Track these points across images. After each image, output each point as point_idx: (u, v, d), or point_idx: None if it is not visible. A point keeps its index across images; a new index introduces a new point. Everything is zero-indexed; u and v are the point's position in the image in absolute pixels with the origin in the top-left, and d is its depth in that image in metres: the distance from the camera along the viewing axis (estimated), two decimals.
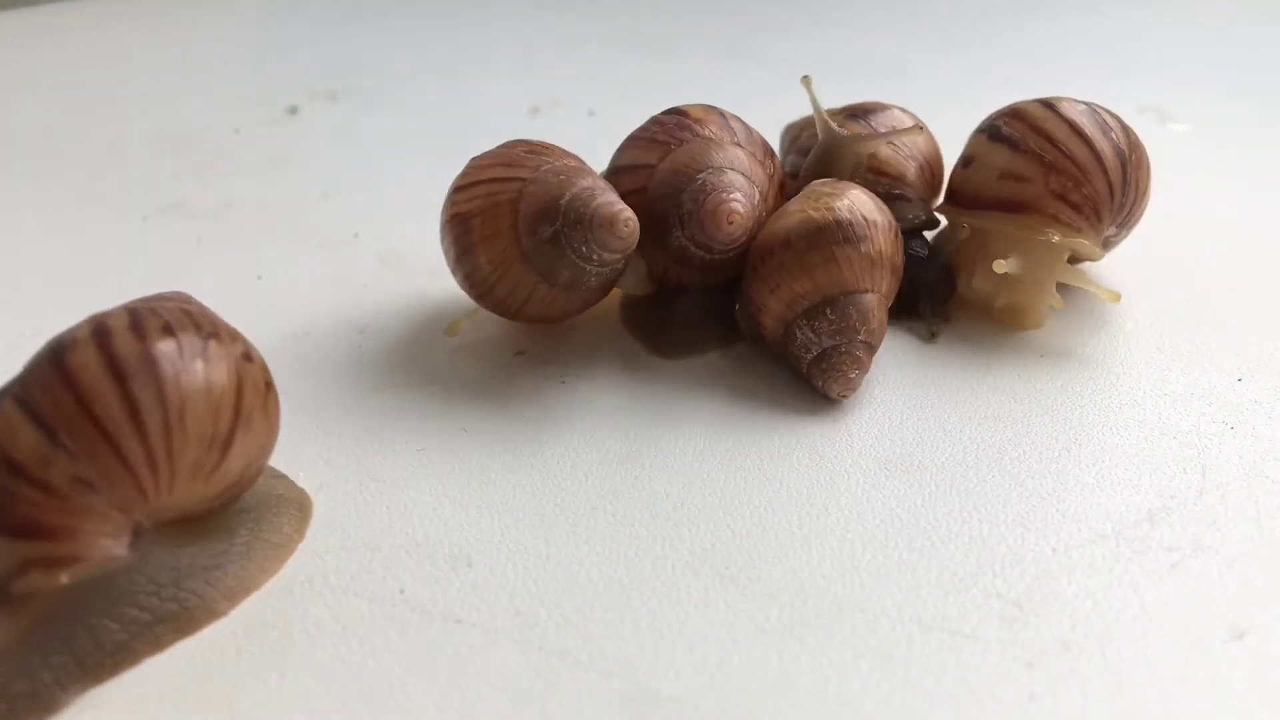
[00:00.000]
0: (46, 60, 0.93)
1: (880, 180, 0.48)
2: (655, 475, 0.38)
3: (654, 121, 0.47)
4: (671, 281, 0.46)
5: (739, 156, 0.45)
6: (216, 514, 0.33)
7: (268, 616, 0.32)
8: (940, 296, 0.47)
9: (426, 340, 0.47)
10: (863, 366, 0.42)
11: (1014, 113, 0.46)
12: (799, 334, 0.42)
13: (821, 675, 0.30)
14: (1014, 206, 0.45)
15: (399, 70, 0.89)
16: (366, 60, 0.92)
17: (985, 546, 0.34)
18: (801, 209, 0.43)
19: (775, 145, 0.52)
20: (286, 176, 0.66)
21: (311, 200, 0.62)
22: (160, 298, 0.34)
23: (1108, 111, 0.46)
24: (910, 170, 0.48)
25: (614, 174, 0.46)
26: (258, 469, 0.33)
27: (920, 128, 0.48)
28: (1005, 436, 0.40)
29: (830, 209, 0.42)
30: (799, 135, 0.52)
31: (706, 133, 0.45)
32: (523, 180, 0.43)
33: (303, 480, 0.38)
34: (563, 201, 0.42)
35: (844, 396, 0.42)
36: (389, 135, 0.74)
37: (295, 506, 0.36)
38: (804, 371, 0.42)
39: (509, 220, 0.42)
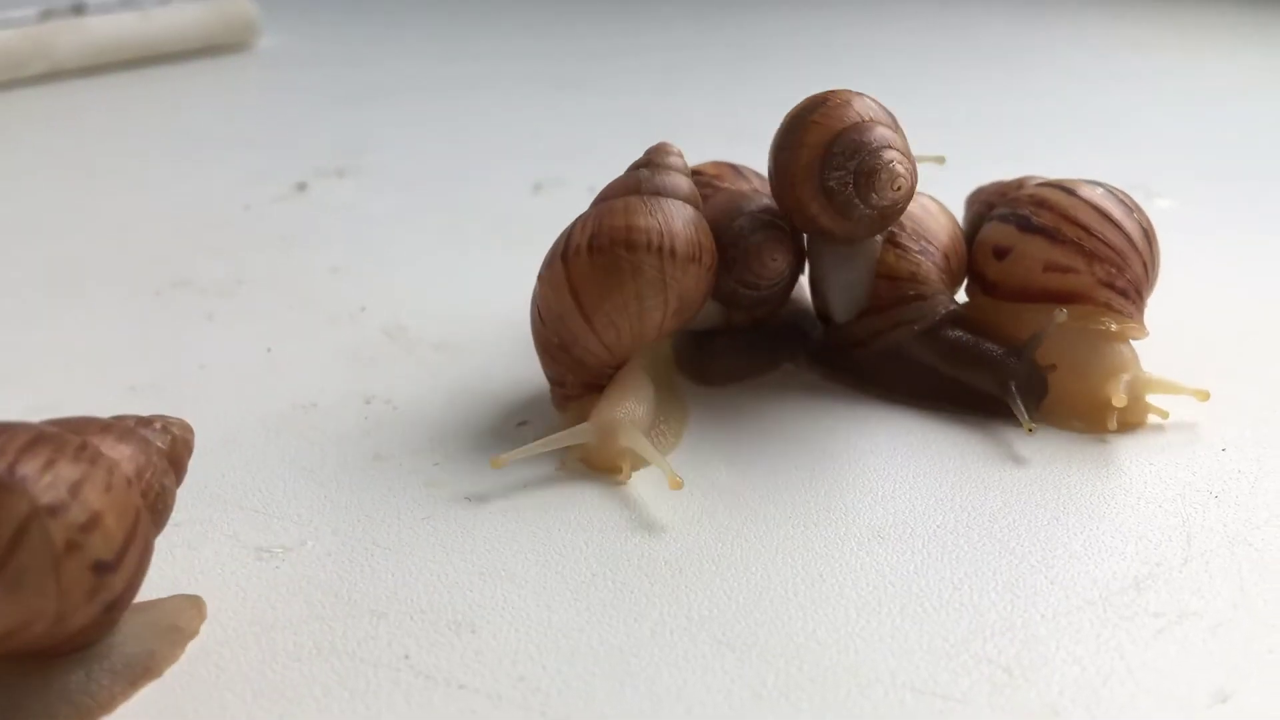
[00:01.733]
0: (58, 137, 0.96)
1: (895, 285, 0.47)
2: (653, 543, 0.39)
3: None
4: (723, 327, 0.50)
5: (762, 200, 0.49)
6: (38, 663, 0.31)
7: (275, 682, 0.33)
8: (1035, 394, 0.45)
9: (432, 411, 0.48)
10: (901, 150, 0.45)
11: (1039, 201, 0.46)
12: (831, 175, 0.45)
13: None
14: (1065, 298, 0.45)
15: (405, 148, 0.91)
16: (373, 139, 0.94)
17: (976, 612, 0.35)
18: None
19: None
20: (295, 252, 0.68)
21: (320, 275, 0.64)
22: (108, 420, 0.33)
23: (1119, 190, 0.47)
24: (922, 266, 0.47)
25: None
26: (62, 632, 0.30)
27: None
28: (995, 505, 0.41)
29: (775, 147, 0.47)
30: None
31: (725, 185, 0.50)
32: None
33: (309, 548, 0.39)
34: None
35: (898, 189, 0.44)
36: (395, 211, 0.76)
37: (130, 672, 0.32)
38: (853, 197, 0.45)
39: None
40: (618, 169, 0.48)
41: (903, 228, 0.48)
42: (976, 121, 0.96)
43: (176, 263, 0.66)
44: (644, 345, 0.45)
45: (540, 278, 0.45)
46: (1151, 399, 0.45)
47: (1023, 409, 0.44)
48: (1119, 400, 0.43)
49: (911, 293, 0.47)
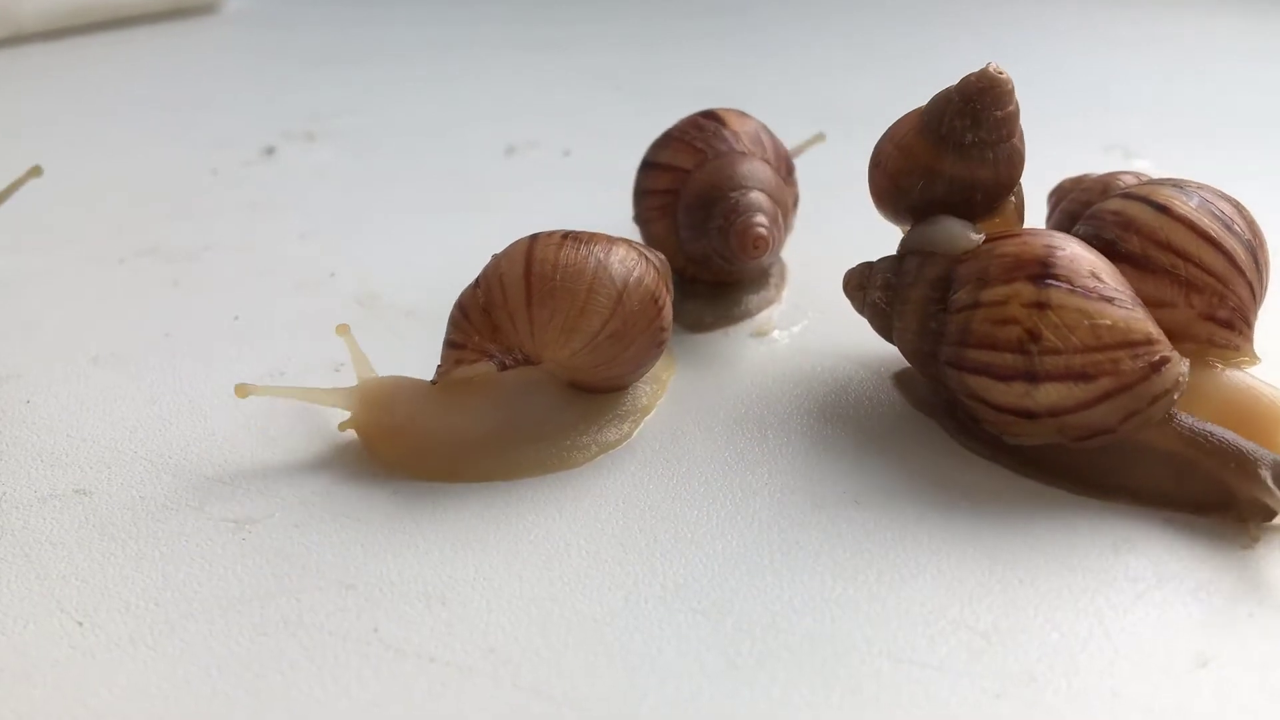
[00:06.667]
0: (22, 101, 0.93)
1: (1136, 354, 0.37)
2: (627, 511, 0.38)
3: (693, 125, 0.50)
4: (687, 277, 0.51)
5: (766, 174, 0.49)
6: None
7: (243, 656, 0.32)
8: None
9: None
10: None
11: (1125, 222, 0.40)
12: (945, 125, 0.43)
13: (793, 709, 0.30)
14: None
15: (376, 111, 0.90)
16: (343, 102, 0.92)
17: (954, 578, 0.35)
18: None
19: None
20: (264, 217, 0.67)
21: (289, 240, 0.63)
22: None
23: (1219, 196, 0.41)
24: (1145, 320, 0.38)
25: (650, 168, 0.50)
26: None
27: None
28: (975, 469, 0.40)
29: None
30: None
31: (740, 147, 0.49)
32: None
33: (277, 519, 0.38)
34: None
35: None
36: (366, 175, 0.74)
37: None
38: (964, 133, 0.43)
39: None
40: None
41: (1099, 277, 0.37)
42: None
43: (142, 229, 0.64)
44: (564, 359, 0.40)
45: (495, 257, 0.42)
46: None
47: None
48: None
49: (1157, 358, 0.37)
